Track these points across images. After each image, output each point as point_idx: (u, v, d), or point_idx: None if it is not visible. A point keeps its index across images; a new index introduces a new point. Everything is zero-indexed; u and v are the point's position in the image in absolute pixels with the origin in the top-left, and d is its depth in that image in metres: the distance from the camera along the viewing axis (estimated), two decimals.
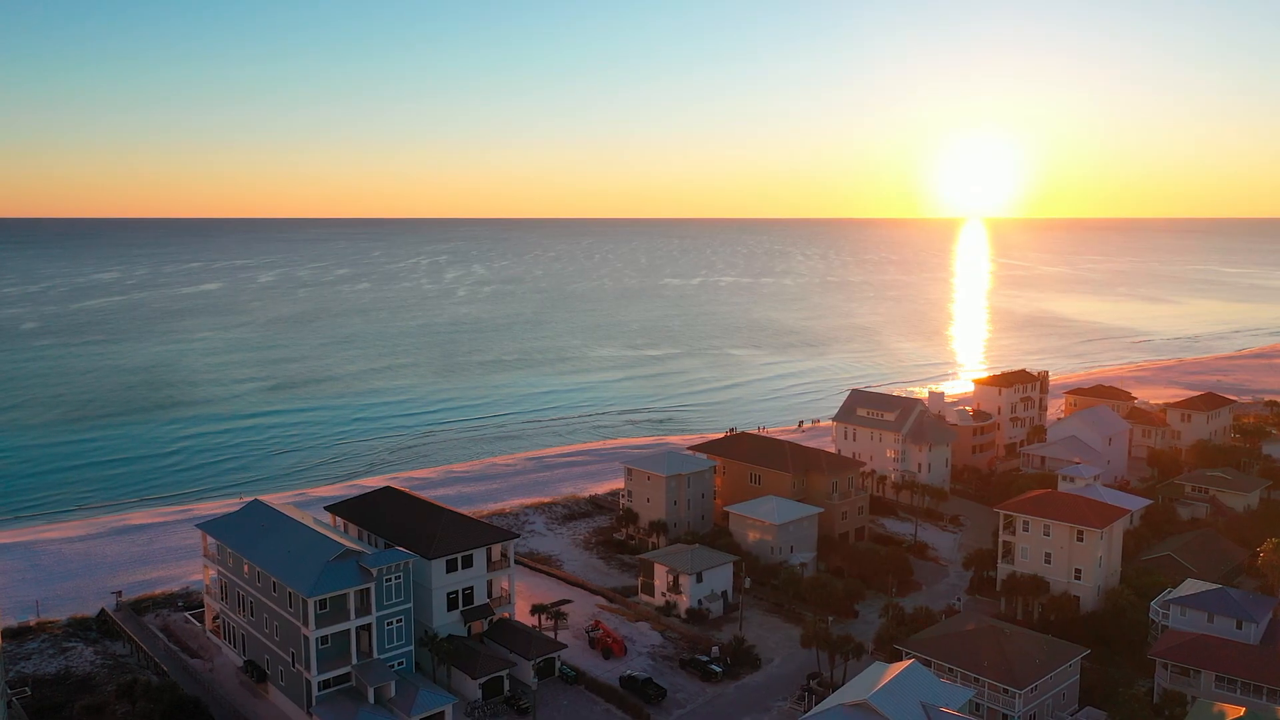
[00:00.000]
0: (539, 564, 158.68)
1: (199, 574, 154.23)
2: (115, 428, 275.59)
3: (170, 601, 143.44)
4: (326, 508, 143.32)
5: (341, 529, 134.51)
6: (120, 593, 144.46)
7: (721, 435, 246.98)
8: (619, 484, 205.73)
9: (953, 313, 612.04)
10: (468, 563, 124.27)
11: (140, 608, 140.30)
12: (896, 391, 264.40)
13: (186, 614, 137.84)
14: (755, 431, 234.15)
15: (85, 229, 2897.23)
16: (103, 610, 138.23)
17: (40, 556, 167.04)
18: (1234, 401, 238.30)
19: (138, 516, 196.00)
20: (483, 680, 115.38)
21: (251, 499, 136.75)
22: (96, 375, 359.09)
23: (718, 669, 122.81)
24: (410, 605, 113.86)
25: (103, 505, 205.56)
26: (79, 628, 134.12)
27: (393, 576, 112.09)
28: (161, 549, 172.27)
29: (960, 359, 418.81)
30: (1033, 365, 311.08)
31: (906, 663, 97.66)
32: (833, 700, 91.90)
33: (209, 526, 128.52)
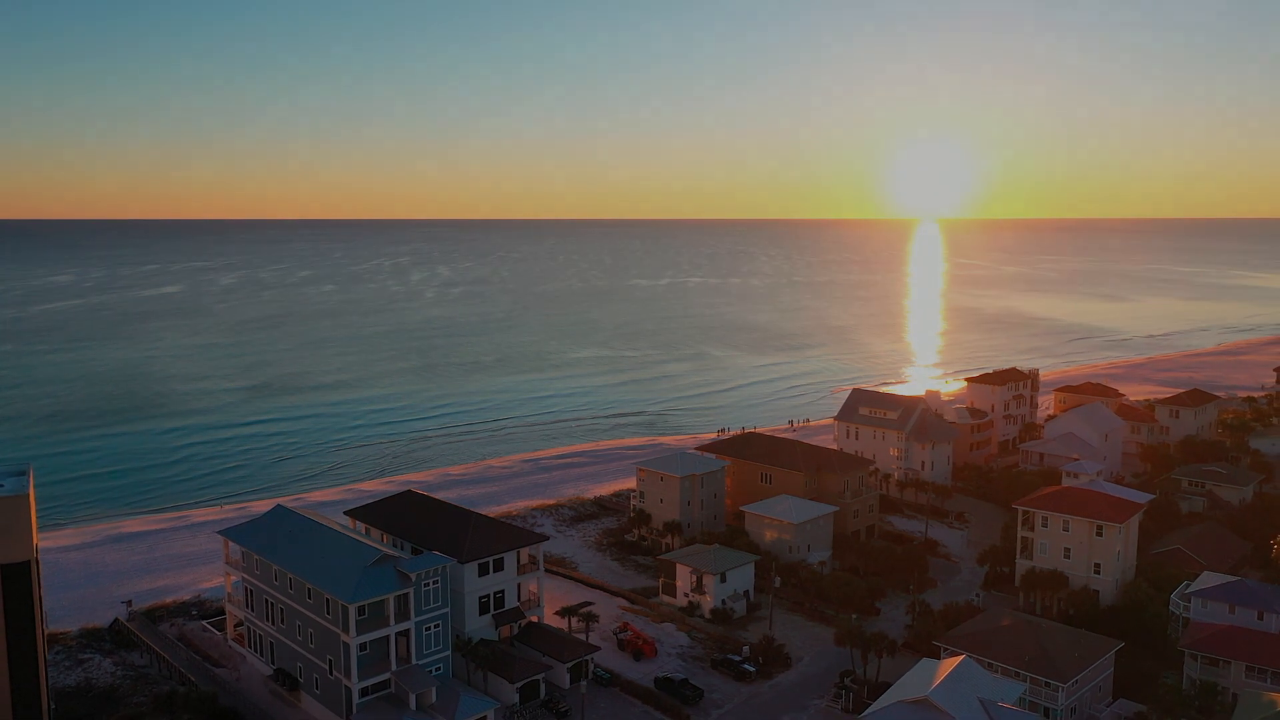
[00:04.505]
0: (556, 566, 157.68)
1: (209, 581, 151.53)
2: (95, 437, 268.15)
3: (184, 610, 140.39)
4: (346, 512, 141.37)
5: (363, 533, 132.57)
6: (131, 602, 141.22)
7: (713, 436, 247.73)
8: (620, 485, 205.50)
9: (924, 312, 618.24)
10: (499, 566, 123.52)
11: (154, 617, 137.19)
12: (883, 390, 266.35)
13: (204, 622, 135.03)
14: (741, 431, 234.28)
15: (32, 230, 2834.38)
16: (116, 620, 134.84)
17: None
18: (1219, 398, 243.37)
19: (131, 524, 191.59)
20: (520, 684, 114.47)
21: (274, 504, 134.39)
22: (67, 383, 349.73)
23: (751, 668, 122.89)
24: (448, 610, 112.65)
25: (94, 514, 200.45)
26: (92, 638, 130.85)
27: (430, 581, 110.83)
28: (164, 556, 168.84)
29: (940, 358, 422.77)
30: (1010, 363, 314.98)
31: (958, 659, 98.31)
32: (890, 697, 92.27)
33: (232, 533, 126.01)
